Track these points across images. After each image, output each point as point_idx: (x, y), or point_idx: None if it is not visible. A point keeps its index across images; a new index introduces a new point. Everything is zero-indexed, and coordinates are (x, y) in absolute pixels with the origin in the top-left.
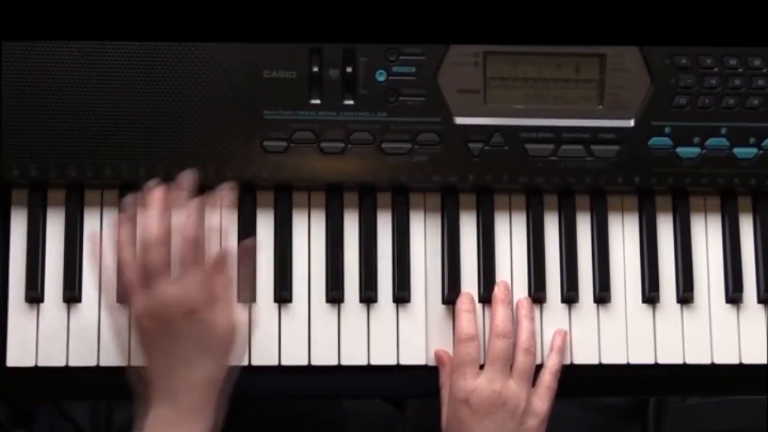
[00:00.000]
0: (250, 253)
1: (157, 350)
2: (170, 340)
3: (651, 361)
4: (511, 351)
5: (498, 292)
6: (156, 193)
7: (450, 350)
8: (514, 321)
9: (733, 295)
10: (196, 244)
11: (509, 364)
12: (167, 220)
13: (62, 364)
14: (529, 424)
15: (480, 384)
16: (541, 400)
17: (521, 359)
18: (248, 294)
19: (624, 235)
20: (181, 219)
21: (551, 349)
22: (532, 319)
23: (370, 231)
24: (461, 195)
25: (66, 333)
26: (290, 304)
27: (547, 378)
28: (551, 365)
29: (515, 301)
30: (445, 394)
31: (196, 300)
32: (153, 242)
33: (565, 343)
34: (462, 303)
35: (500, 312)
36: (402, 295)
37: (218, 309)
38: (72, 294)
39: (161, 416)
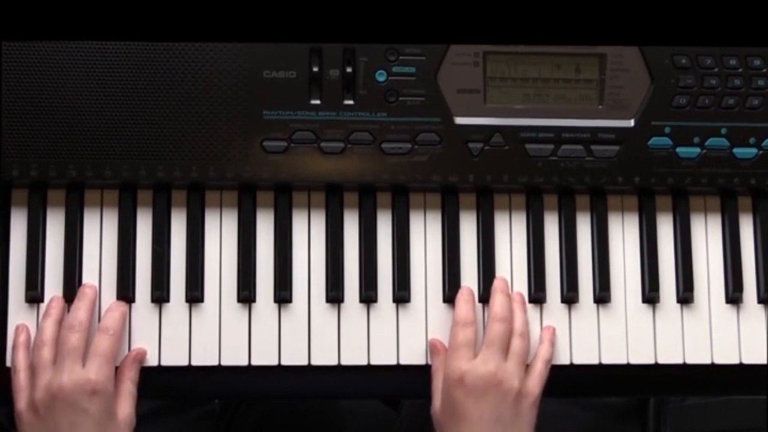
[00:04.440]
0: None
1: None
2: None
3: (651, 361)
4: (508, 336)
5: (497, 283)
6: (89, 290)
7: None
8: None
9: (733, 295)
10: (112, 337)
11: (505, 349)
12: (91, 313)
13: None
14: (523, 405)
15: (475, 364)
16: (534, 384)
17: (517, 343)
18: (248, 294)
19: (624, 235)
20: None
21: (541, 341)
22: (525, 310)
23: (370, 231)
24: (461, 195)
25: None
26: (290, 304)
27: (539, 366)
28: (543, 354)
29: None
30: (438, 379)
31: (102, 383)
32: (75, 326)
33: (553, 335)
34: (462, 294)
35: (499, 298)
36: (402, 295)
37: (121, 400)
38: (72, 294)
39: None
